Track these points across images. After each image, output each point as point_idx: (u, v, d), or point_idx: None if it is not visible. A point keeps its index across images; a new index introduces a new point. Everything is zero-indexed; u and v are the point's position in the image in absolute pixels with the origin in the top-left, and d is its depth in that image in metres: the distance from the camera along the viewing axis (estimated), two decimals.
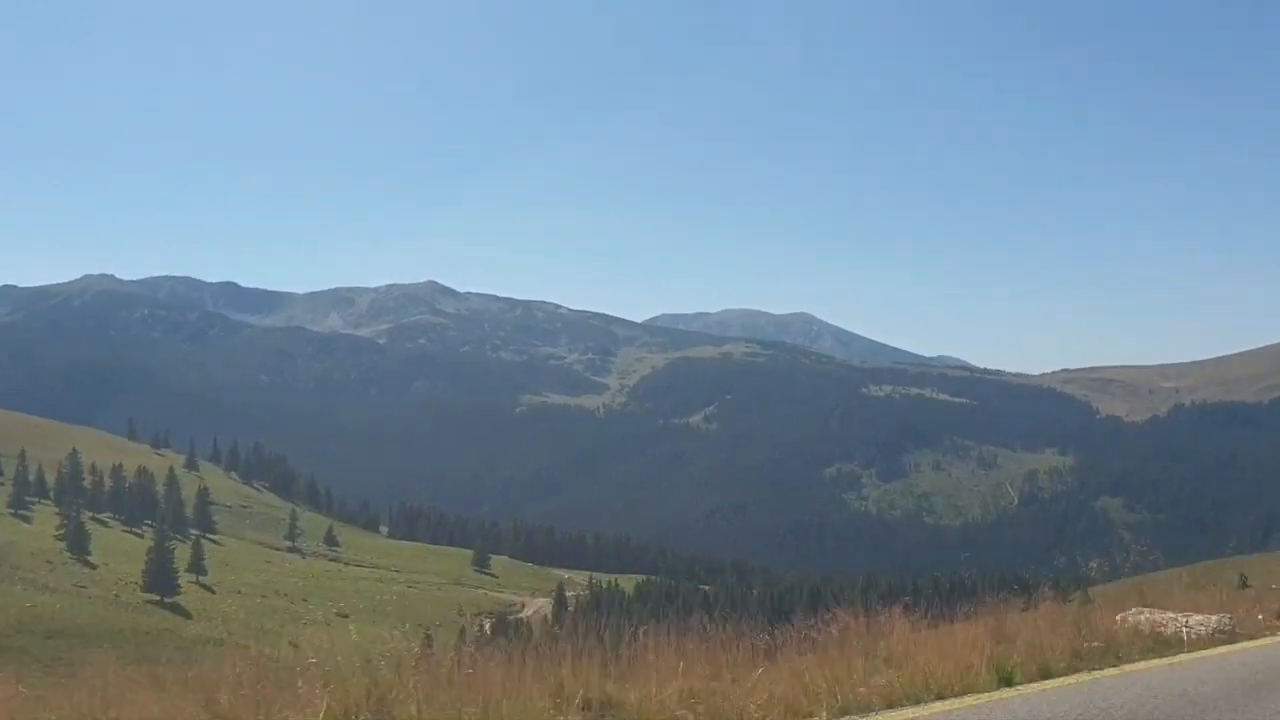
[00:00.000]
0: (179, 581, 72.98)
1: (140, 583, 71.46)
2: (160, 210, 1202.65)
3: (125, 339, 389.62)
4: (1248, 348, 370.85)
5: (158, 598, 70.74)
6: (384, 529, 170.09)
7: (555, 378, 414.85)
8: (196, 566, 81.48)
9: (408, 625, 79.49)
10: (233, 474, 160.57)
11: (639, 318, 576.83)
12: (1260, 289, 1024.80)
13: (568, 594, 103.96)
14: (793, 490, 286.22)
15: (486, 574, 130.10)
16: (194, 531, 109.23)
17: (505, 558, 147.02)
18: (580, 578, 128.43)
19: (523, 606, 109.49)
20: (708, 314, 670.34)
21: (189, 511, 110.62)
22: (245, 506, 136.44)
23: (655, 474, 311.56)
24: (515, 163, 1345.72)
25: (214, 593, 79.96)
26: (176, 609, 70.48)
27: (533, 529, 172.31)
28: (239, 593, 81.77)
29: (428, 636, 66.69)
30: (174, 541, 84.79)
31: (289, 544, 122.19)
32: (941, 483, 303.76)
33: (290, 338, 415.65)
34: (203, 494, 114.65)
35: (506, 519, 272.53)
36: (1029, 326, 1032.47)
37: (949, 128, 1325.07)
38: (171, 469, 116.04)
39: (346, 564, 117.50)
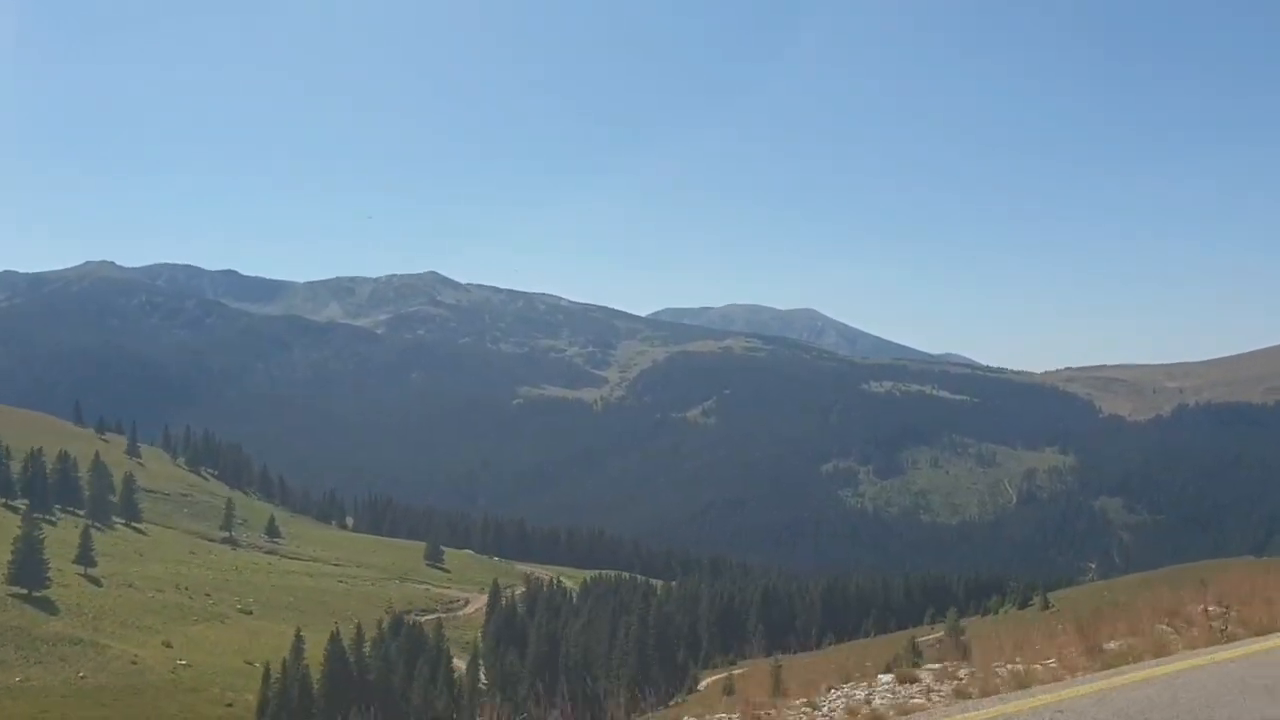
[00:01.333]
0: (49, 574, 68.08)
1: (5, 574, 67.02)
2: (163, 199, 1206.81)
3: (122, 326, 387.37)
4: (1254, 348, 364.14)
5: (24, 591, 66.43)
6: (350, 520, 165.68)
7: (554, 370, 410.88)
8: (84, 557, 77.09)
9: (317, 622, 75.43)
10: (180, 461, 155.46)
11: (643, 312, 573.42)
12: (1268, 289, 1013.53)
13: (505, 591, 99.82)
14: (790, 486, 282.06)
15: (439, 568, 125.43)
16: (117, 519, 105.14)
17: (469, 552, 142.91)
18: (548, 573, 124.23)
19: (466, 603, 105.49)
20: (712, 309, 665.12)
21: (115, 498, 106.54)
22: (185, 494, 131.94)
23: (652, 468, 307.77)
24: (521, 156, 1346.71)
25: (100, 585, 75.39)
26: (43, 604, 65.57)
27: (503, 523, 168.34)
28: (131, 586, 77.10)
29: (299, 637, 62.70)
30: (94, 529, 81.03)
31: (224, 534, 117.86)
32: (939, 480, 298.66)
33: (287, 326, 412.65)
34: (129, 480, 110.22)
35: (500, 512, 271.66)
36: (1036, 325, 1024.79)
37: (957, 125, 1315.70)
38: (97, 454, 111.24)
39: (282, 556, 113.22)
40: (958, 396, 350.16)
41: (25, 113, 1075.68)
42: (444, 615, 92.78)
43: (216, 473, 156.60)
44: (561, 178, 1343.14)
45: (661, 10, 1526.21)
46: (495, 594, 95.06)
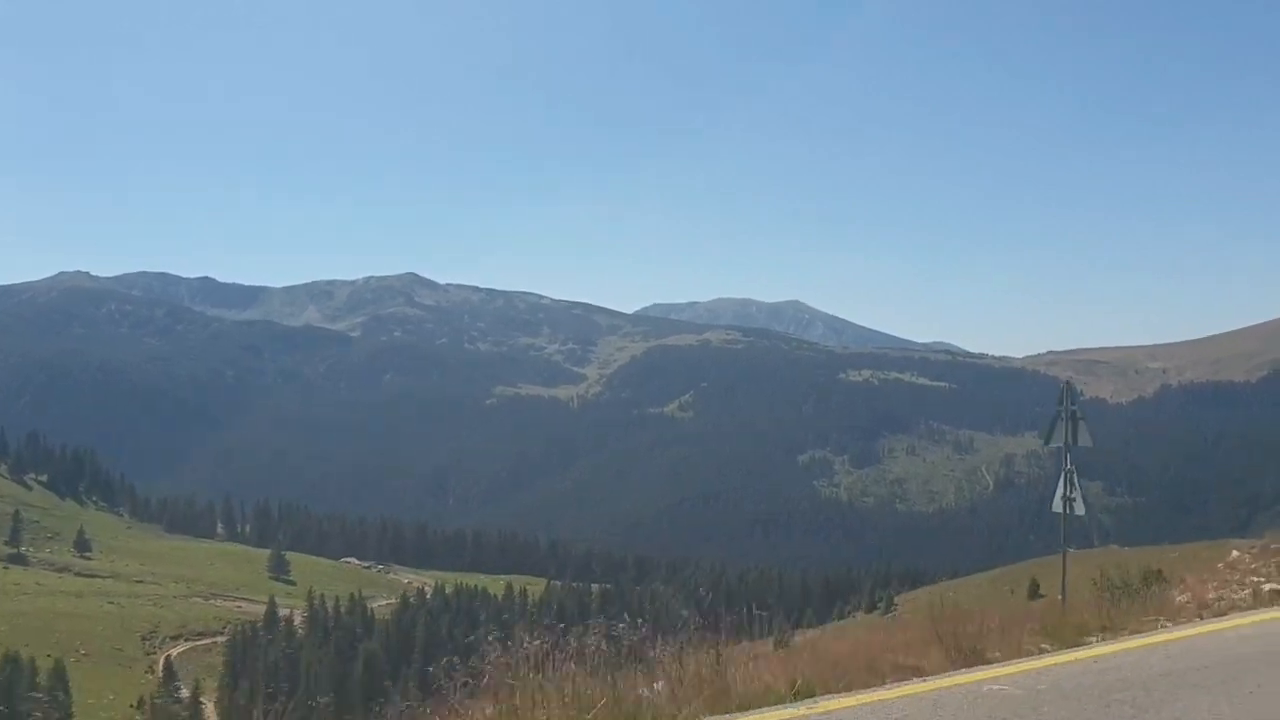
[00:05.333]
0: None
1: None
2: (140, 207, 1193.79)
3: (89, 334, 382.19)
4: (1237, 326, 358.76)
5: None
6: (244, 528, 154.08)
7: (533, 369, 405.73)
8: None
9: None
10: (2, 469, 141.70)
11: (631, 308, 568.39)
12: (1251, 267, 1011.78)
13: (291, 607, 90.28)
14: (765, 478, 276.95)
15: (282, 580, 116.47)
16: None
17: (351, 561, 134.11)
18: (432, 581, 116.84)
19: (287, 620, 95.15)
20: (699, 303, 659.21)
21: None
22: None
23: (628, 464, 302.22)
24: (504, 154, 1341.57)
25: None
26: None
27: (402, 527, 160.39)
28: None
29: None
30: None
31: (12, 550, 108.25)
32: (916, 468, 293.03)
33: (259, 332, 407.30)
34: None
35: (471, 514, 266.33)
36: (1022, 311, 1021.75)
37: (944, 117, 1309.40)
38: None
39: (76, 574, 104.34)
40: (937, 383, 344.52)
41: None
42: (222, 640, 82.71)
43: (46, 480, 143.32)
44: (545, 175, 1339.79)
45: (646, 2, 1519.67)
46: (272, 614, 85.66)
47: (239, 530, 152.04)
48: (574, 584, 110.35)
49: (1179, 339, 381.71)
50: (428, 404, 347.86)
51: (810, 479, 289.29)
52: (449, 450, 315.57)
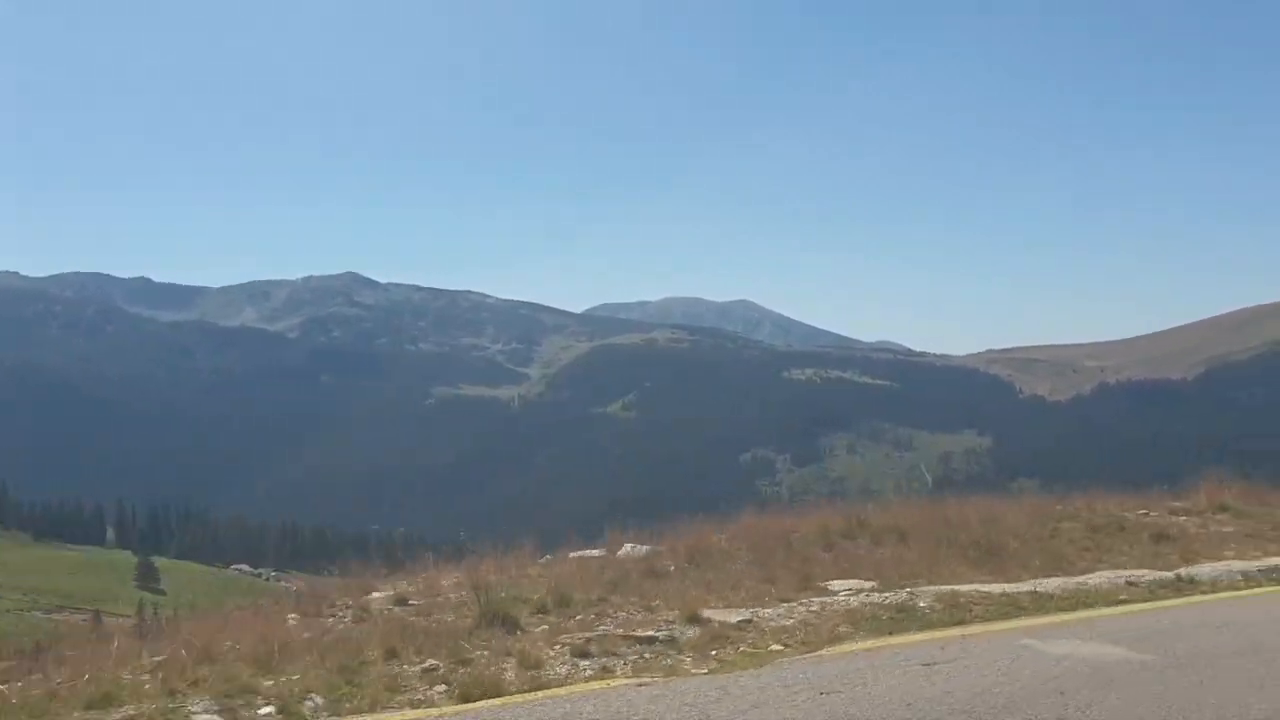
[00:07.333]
0: None
1: None
2: (72, 206, 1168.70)
3: (17, 336, 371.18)
4: (1174, 325, 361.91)
5: None
6: (146, 534, 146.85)
7: (475, 369, 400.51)
8: None
9: None
10: None
11: (579, 308, 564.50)
12: (1188, 266, 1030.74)
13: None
14: (707, 477, 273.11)
15: (152, 590, 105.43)
16: None
17: (242, 568, 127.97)
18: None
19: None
20: (649, 302, 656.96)
21: None
22: None
23: (568, 465, 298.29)
24: (453, 150, 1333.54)
25: None
26: None
27: (303, 529, 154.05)
28: None
29: None
30: None
31: None
32: (855, 466, 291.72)
33: (192, 332, 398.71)
34: None
35: (407, 518, 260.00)
36: (970, 311, 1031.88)
37: (888, 112, 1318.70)
38: None
39: None
40: (879, 382, 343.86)
41: None
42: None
43: None
44: (494, 175, 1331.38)
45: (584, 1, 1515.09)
46: (98, 622, 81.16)
47: (132, 536, 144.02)
48: None
49: (1117, 338, 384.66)
50: (365, 407, 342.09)
51: (752, 478, 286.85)
52: (386, 452, 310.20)
